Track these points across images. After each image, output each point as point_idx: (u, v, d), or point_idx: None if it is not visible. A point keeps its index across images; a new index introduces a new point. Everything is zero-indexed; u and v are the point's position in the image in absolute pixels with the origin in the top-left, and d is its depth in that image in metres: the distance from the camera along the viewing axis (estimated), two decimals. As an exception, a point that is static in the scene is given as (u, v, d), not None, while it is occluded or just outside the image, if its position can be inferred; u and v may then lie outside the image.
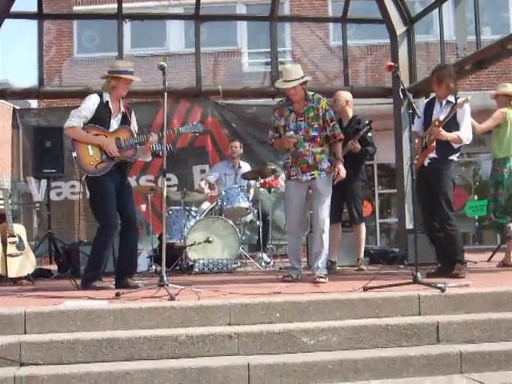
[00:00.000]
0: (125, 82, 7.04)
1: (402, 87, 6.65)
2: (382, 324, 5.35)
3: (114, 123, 7.07)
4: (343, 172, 7.36)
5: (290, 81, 7.33)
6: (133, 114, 7.34)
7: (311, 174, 7.32)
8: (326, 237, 7.35)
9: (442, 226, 7.35)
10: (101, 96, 7.06)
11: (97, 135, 6.97)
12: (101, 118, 6.99)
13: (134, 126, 7.29)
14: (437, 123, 7.08)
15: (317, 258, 7.36)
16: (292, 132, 7.34)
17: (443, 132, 7.10)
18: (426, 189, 7.36)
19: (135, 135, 7.10)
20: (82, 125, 6.95)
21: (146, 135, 7.03)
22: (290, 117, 7.43)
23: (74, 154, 6.94)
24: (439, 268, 7.41)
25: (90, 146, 6.92)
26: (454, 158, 7.40)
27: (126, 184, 7.24)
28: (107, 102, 7.04)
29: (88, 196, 7.17)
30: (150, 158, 7.52)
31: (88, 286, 6.79)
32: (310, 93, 7.49)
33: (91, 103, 7.01)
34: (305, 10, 18.22)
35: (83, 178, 7.15)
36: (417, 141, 7.55)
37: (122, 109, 7.17)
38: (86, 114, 6.96)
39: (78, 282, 7.04)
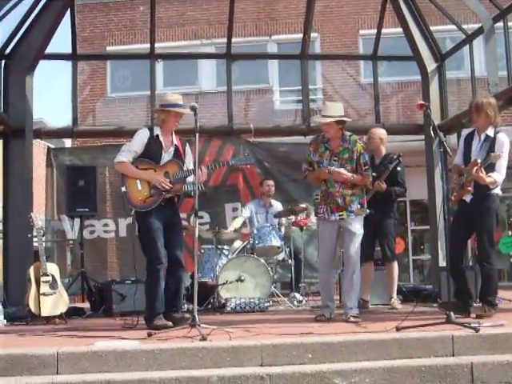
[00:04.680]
0: (175, 116, 7.03)
1: (432, 126, 6.62)
2: (416, 365, 5.28)
3: (166, 157, 7.07)
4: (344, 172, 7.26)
5: (325, 116, 7.31)
6: (187, 147, 7.30)
7: (340, 215, 7.30)
8: (356, 277, 7.34)
9: (482, 263, 7.28)
10: (151, 130, 7.09)
11: (146, 169, 6.98)
12: (152, 152, 7.01)
13: (189, 160, 7.24)
14: (475, 168, 6.98)
15: (348, 298, 7.34)
16: (333, 167, 7.27)
17: (482, 176, 6.99)
18: (464, 224, 7.33)
19: (184, 168, 7.07)
20: (131, 160, 6.97)
21: (194, 169, 6.81)
22: (325, 154, 7.40)
23: (124, 189, 6.98)
24: (454, 304, 6.91)
25: (138, 181, 6.95)
26: (498, 191, 7.35)
27: (175, 221, 7.18)
28: (157, 135, 7.04)
29: (136, 231, 7.20)
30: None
31: (148, 325, 6.73)
32: (348, 133, 7.43)
33: (141, 138, 7.04)
34: (335, 48, 18.29)
35: (132, 212, 7.18)
36: (455, 177, 7.47)
37: (175, 142, 7.15)
38: (135, 149, 7.00)
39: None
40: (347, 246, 7.35)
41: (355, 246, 7.31)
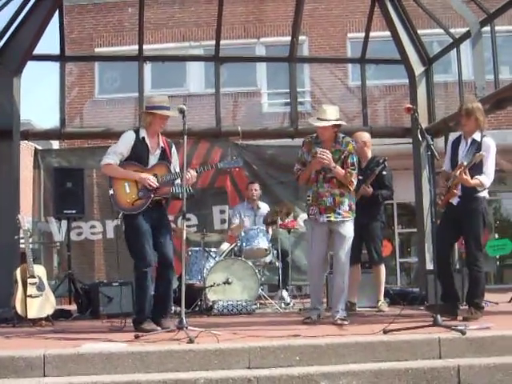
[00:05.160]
0: (161, 118, 6.98)
1: (420, 129, 6.64)
2: (403, 368, 5.29)
3: (153, 159, 7.02)
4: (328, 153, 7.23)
5: (323, 120, 7.27)
6: (173, 148, 7.25)
7: (327, 216, 7.27)
8: (346, 280, 7.32)
9: (470, 266, 7.32)
10: (137, 132, 7.03)
11: (134, 172, 6.92)
12: (138, 154, 6.95)
13: (175, 160, 7.22)
14: (460, 170, 7.03)
15: (336, 301, 7.32)
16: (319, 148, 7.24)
17: (468, 179, 7.03)
18: (451, 227, 7.37)
19: (172, 171, 7.03)
20: (118, 162, 6.91)
21: (181, 171, 6.77)
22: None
23: (111, 192, 6.90)
24: (441, 306, 6.93)
25: (126, 184, 6.87)
26: (485, 194, 7.38)
27: (164, 222, 7.11)
28: (143, 138, 6.98)
29: (123, 234, 7.11)
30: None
31: (137, 329, 6.67)
32: (341, 135, 7.42)
33: (127, 140, 6.99)
34: (324, 51, 18.33)
35: (120, 215, 7.12)
36: (441, 183, 7.51)
37: (162, 144, 7.10)
38: (121, 151, 6.94)
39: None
40: (337, 248, 7.33)
41: (345, 249, 7.28)
